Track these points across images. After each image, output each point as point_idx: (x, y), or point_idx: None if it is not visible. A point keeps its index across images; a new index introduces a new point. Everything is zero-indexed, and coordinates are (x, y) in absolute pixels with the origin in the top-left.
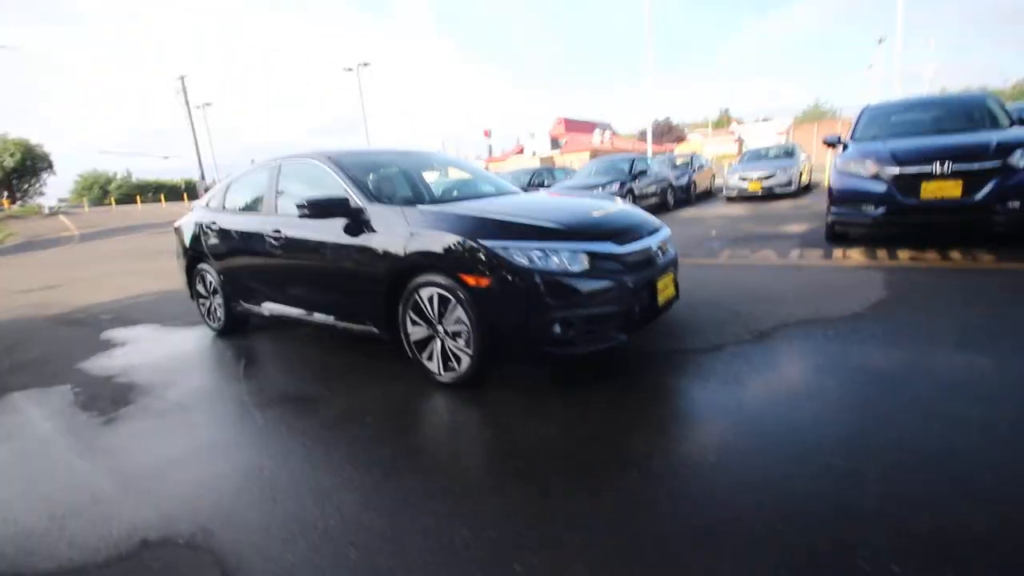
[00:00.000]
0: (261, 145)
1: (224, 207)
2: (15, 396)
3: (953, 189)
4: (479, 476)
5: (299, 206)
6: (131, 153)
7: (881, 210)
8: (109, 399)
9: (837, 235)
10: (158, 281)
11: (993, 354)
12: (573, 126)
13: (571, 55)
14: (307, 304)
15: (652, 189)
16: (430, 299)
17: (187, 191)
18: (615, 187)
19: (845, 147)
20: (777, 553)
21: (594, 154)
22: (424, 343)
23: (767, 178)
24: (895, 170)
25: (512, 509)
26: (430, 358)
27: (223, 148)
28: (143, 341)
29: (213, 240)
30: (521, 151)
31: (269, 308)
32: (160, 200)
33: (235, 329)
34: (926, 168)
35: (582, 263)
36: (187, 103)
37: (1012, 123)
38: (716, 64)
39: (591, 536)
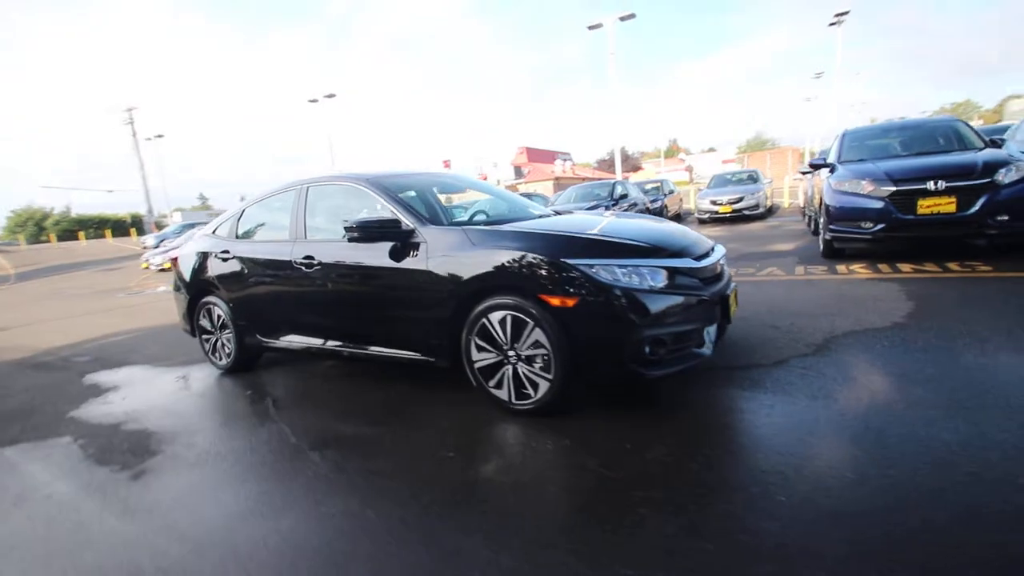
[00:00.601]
0: (218, 178)
1: (237, 235)
2: (7, 452)
3: (948, 205)
4: (604, 511)
5: (347, 228)
6: (72, 188)
7: (880, 226)
8: (127, 450)
9: (835, 251)
10: (124, 320)
11: None
12: (535, 155)
13: (530, 86)
14: (342, 335)
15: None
16: (501, 323)
17: (134, 225)
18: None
19: (832, 168)
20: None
21: (557, 182)
22: (492, 370)
23: (737, 201)
24: (891, 188)
25: (646, 545)
26: (499, 386)
27: (176, 179)
28: (138, 384)
29: (225, 270)
30: (484, 180)
31: (291, 341)
32: (105, 235)
33: (244, 366)
34: (921, 186)
35: (664, 279)
36: (134, 135)
37: (985, 144)
38: (662, 97)
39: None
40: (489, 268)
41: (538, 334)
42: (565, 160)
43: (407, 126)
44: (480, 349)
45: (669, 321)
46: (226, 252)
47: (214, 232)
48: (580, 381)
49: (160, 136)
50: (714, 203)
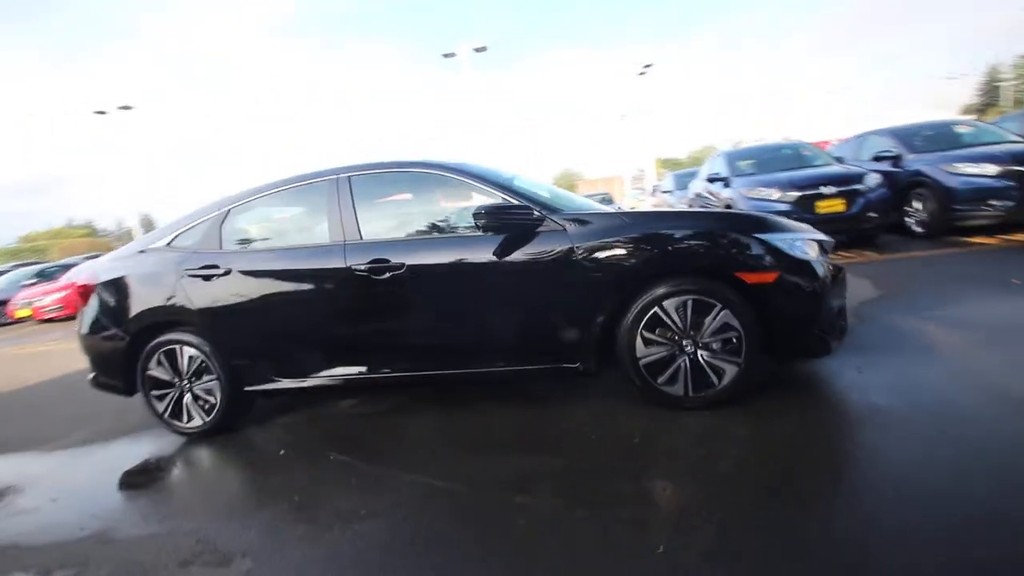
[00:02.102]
0: None
1: (221, 246)
2: None
3: (839, 205)
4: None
5: (476, 215)
6: None
7: None
8: (195, 560)
9: None
10: None
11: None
12: None
13: (353, 110)
14: (432, 355)
15: None
16: (679, 309)
17: None
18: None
19: (727, 182)
20: None
21: None
22: (662, 365)
23: None
24: (797, 194)
25: None
26: (670, 382)
27: None
28: (52, 476)
29: (214, 293)
30: None
31: (333, 375)
32: None
33: (230, 423)
34: (818, 191)
35: (820, 252)
36: None
37: (834, 161)
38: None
39: None
40: (668, 249)
41: (726, 316)
42: None
43: (214, 146)
44: (648, 343)
45: (840, 291)
46: (212, 267)
47: (170, 244)
48: (767, 360)
49: None
50: None
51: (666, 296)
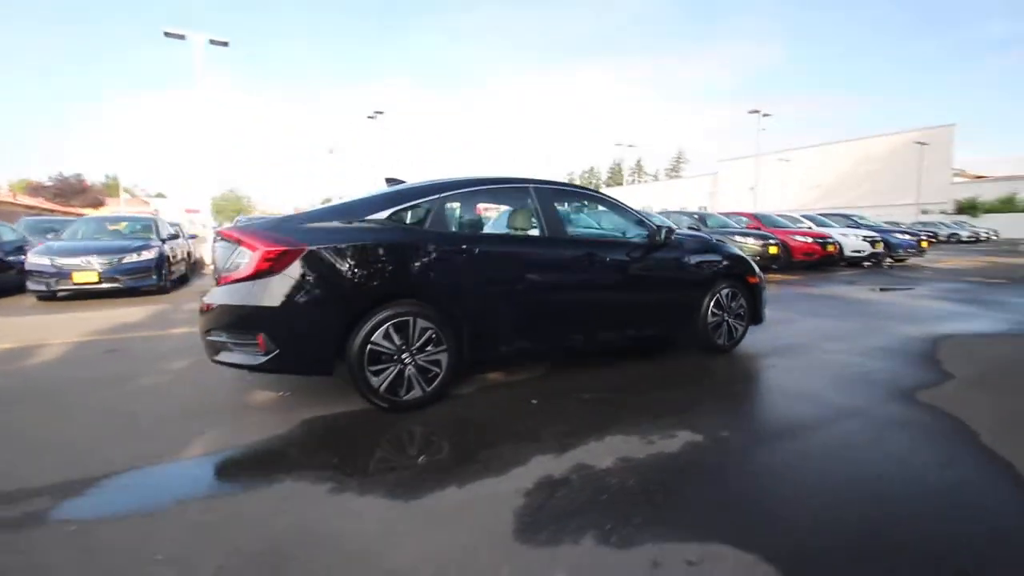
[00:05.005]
0: None
1: (448, 227)
2: None
3: None
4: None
5: (662, 229)
6: None
7: None
8: None
9: None
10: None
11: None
12: None
13: None
14: (602, 326)
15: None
16: (727, 295)
17: None
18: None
19: None
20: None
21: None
22: (716, 327)
23: None
24: None
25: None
26: (719, 337)
27: None
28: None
29: (457, 269)
30: None
31: (544, 344)
32: None
33: (444, 394)
34: None
35: None
36: None
37: None
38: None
39: None
40: (724, 263)
41: (742, 299)
42: None
43: None
44: (713, 315)
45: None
46: (454, 245)
47: (390, 218)
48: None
49: None
50: None
51: (723, 288)
